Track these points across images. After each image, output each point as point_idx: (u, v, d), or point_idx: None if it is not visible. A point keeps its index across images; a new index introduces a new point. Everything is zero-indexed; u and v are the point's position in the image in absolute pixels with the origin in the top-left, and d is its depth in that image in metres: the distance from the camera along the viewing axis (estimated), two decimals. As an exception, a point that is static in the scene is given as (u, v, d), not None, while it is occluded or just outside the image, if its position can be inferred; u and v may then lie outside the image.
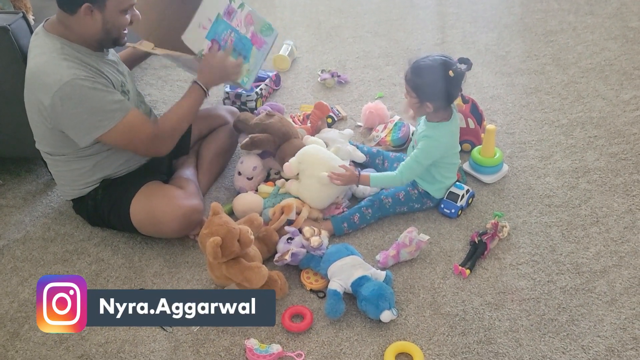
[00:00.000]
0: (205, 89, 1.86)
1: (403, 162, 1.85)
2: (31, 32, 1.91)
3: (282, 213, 1.86)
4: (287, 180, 1.99)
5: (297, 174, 1.93)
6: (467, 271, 1.73)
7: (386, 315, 1.58)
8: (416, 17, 3.29)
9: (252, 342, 1.55)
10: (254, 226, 1.69)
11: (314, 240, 1.74)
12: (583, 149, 2.22)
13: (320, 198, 1.90)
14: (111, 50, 1.85)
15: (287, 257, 1.72)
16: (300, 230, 1.82)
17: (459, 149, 1.94)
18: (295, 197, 1.93)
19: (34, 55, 1.68)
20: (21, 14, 1.88)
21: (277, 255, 1.75)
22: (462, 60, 1.80)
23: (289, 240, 1.79)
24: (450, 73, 1.75)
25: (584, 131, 2.30)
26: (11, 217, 2.05)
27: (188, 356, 1.56)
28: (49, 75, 1.62)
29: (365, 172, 1.90)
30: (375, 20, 3.28)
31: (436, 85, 1.77)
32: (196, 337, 1.61)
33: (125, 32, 1.76)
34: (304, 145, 2.01)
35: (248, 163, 2.04)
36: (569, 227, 1.89)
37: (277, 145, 2.05)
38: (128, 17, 1.72)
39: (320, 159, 1.90)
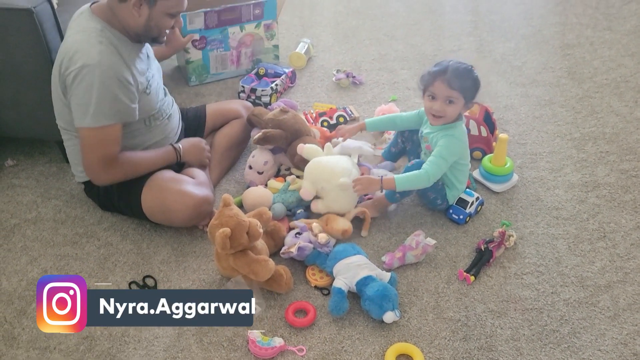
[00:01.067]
0: (178, 154, 1.92)
1: (426, 162, 1.83)
2: (54, 15, 1.93)
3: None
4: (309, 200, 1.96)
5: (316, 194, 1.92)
6: (472, 278, 1.74)
7: (389, 316, 1.59)
8: (434, 23, 3.30)
9: (255, 334, 1.56)
10: (262, 220, 1.71)
11: (322, 237, 1.76)
12: (594, 163, 2.22)
13: (349, 201, 1.90)
14: (147, 45, 1.88)
15: (294, 250, 1.73)
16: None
17: (469, 152, 1.95)
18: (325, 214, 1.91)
19: (73, 32, 1.72)
20: (46, -3, 1.90)
21: (283, 248, 1.77)
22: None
23: (297, 235, 1.80)
24: (477, 71, 1.82)
25: (595, 146, 2.31)
26: (23, 197, 2.08)
27: (191, 344, 1.58)
28: (78, 52, 1.65)
29: (388, 177, 1.85)
30: (393, 23, 3.29)
31: (477, 82, 1.82)
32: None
33: (166, 33, 1.79)
34: (316, 141, 2.02)
35: (259, 157, 2.05)
36: (576, 241, 1.89)
37: (289, 142, 2.06)
38: (172, 21, 1.75)
39: (326, 169, 1.89)
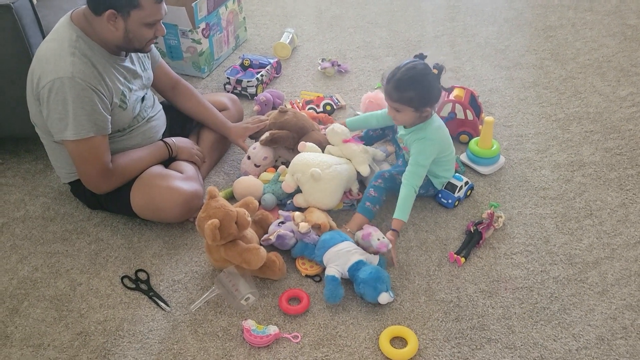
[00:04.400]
0: (170, 149, 1.92)
1: (405, 173, 1.81)
2: (34, 12, 1.91)
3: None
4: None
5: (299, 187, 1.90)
6: (462, 259, 1.76)
7: (384, 298, 1.60)
8: (417, 9, 3.30)
9: (250, 323, 1.57)
10: (249, 209, 1.71)
11: (302, 226, 1.73)
12: (579, 143, 2.24)
13: (326, 194, 1.86)
14: (142, 60, 1.87)
15: (272, 238, 1.74)
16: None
17: (451, 142, 1.92)
18: (307, 208, 1.89)
19: (49, 39, 1.69)
20: (25, -7, 1.88)
21: (264, 236, 1.77)
22: (419, 57, 1.81)
23: (280, 224, 1.81)
24: (435, 71, 1.76)
25: (580, 126, 2.33)
26: (10, 196, 2.06)
27: (186, 336, 1.58)
28: (50, 63, 1.63)
29: (394, 221, 1.77)
30: (376, 11, 3.29)
31: (429, 89, 1.76)
32: (194, 317, 1.63)
33: (150, 43, 1.75)
34: (324, 136, 2.01)
35: (260, 152, 2.03)
36: (563, 219, 1.92)
37: (296, 141, 2.03)
38: (152, 31, 1.71)
39: (302, 161, 1.89)
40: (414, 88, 1.74)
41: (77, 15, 1.69)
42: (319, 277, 1.73)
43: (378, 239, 1.70)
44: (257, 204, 1.76)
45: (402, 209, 1.78)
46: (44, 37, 1.88)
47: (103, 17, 1.63)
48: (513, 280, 1.72)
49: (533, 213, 1.94)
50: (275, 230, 1.76)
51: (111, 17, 1.63)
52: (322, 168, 1.85)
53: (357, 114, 2.41)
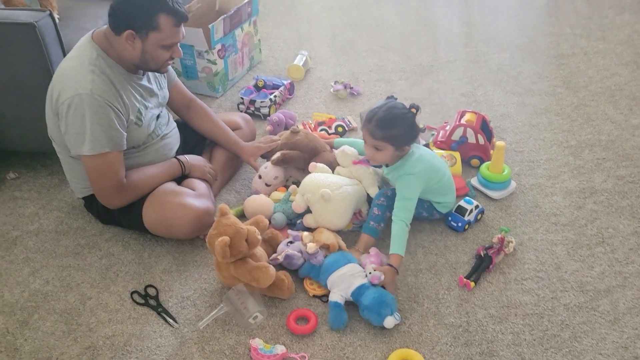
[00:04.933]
0: (183, 167, 1.95)
1: (394, 209, 1.80)
2: (57, 30, 1.96)
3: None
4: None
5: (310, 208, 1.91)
6: (472, 284, 1.75)
7: (389, 322, 1.59)
8: (430, 34, 3.34)
9: (257, 342, 1.57)
10: (259, 227, 1.71)
11: (310, 247, 1.73)
12: (591, 170, 2.24)
13: (335, 215, 1.87)
14: (158, 79, 1.92)
15: (280, 258, 1.74)
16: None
17: (443, 168, 1.92)
18: (317, 228, 1.89)
19: (69, 57, 1.75)
20: (48, 12, 1.93)
21: (273, 255, 1.78)
22: (390, 98, 1.85)
23: (289, 244, 1.81)
24: (413, 110, 1.79)
25: (592, 153, 2.33)
26: (25, 209, 2.09)
27: (193, 353, 1.58)
28: (70, 80, 1.67)
29: (391, 257, 1.73)
30: (389, 35, 3.33)
31: (411, 128, 1.79)
32: (202, 334, 1.63)
33: (166, 64, 1.80)
34: (335, 158, 2.03)
35: (271, 171, 2.05)
36: (575, 246, 1.90)
37: (307, 162, 2.04)
38: (168, 53, 1.75)
39: (313, 181, 1.89)
40: (397, 126, 1.77)
41: (98, 35, 1.74)
42: (326, 298, 1.72)
43: (370, 272, 1.68)
44: (267, 222, 1.77)
45: (397, 244, 1.75)
46: (64, 55, 1.93)
47: (122, 37, 1.68)
48: (523, 306, 1.70)
49: (544, 239, 1.93)
50: (283, 250, 1.77)
51: (130, 37, 1.68)
52: (332, 189, 1.86)
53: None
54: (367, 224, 1.87)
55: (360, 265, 1.73)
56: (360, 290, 1.64)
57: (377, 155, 1.83)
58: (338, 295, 1.66)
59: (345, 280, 1.67)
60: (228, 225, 1.63)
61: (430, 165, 1.87)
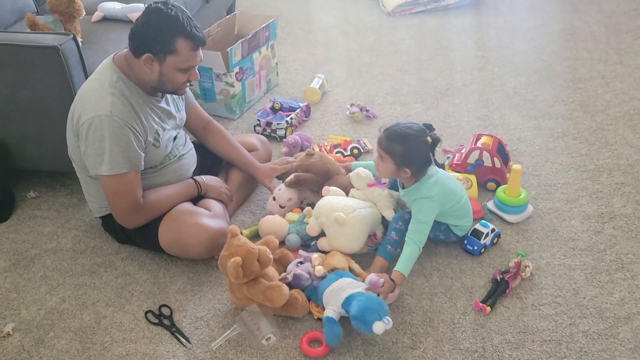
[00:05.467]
0: (200, 187, 1.97)
1: (409, 232, 1.80)
2: (79, 53, 2.01)
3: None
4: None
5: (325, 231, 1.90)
6: (488, 308, 1.73)
7: (378, 327, 1.52)
8: (446, 58, 3.36)
9: (270, 364, 1.56)
10: (270, 247, 1.71)
11: (318, 270, 1.74)
12: (610, 194, 2.21)
13: (349, 239, 1.86)
14: (176, 101, 1.95)
15: (289, 277, 1.74)
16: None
17: (460, 191, 1.91)
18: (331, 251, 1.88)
19: (91, 79, 1.80)
20: (71, 36, 1.98)
21: (282, 274, 1.78)
22: (427, 126, 1.82)
23: (299, 264, 1.80)
24: (429, 139, 1.78)
25: (610, 177, 2.30)
26: (44, 228, 2.12)
27: (206, 374, 1.58)
28: (91, 102, 1.72)
29: (394, 274, 1.72)
30: (405, 59, 3.35)
31: (415, 151, 1.79)
32: (215, 354, 1.62)
33: (184, 87, 1.83)
34: (349, 181, 2.03)
35: (285, 193, 2.06)
36: (593, 272, 1.87)
37: (321, 184, 2.05)
38: (185, 76, 1.79)
39: (332, 205, 1.88)
40: (400, 144, 1.78)
41: (119, 58, 1.79)
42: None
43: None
44: (277, 242, 1.77)
45: (405, 265, 1.74)
46: (86, 77, 1.98)
47: (141, 60, 1.72)
48: (541, 333, 1.67)
49: (562, 264, 1.90)
50: (292, 270, 1.77)
51: (148, 60, 1.72)
52: (346, 212, 1.85)
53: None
54: (384, 248, 1.86)
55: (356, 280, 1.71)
56: (348, 301, 1.60)
57: (380, 165, 1.85)
58: (330, 310, 1.63)
59: (335, 295, 1.65)
60: (239, 246, 1.64)
61: (447, 188, 1.86)
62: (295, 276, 1.74)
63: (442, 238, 1.94)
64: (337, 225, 1.84)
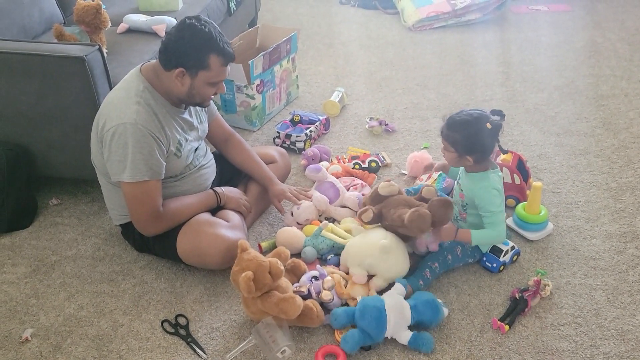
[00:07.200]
0: (219, 198, 1.98)
1: (487, 225, 1.83)
2: (104, 64, 2.05)
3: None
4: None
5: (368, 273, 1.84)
6: (506, 327, 1.70)
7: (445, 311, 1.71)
8: (466, 73, 3.35)
9: (285, 377, 1.55)
10: (281, 258, 1.72)
11: (325, 294, 1.72)
12: (632, 214, 2.17)
13: (399, 260, 1.82)
14: (199, 113, 1.98)
15: (304, 290, 1.73)
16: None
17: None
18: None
19: (118, 87, 1.83)
20: (97, 47, 2.02)
21: (296, 285, 1.76)
22: (495, 112, 1.84)
23: (312, 279, 1.79)
24: (488, 125, 1.79)
25: (633, 196, 2.27)
26: (65, 235, 2.15)
27: (220, 385, 1.57)
28: (116, 110, 1.75)
29: (463, 230, 1.84)
30: (425, 74, 3.35)
31: (475, 138, 1.80)
32: (230, 366, 1.62)
33: (210, 99, 1.88)
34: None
35: (304, 213, 2.07)
36: (615, 292, 1.84)
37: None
38: (214, 89, 1.82)
39: (363, 246, 1.84)
40: (460, 131, 1.80)
41: (146, 68, 1.82)
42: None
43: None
44: (289, 253, 1.77)
45: (480, 235, 1.83)
46: (111, 87, 2.02)
47: (172, 73, 1.75)
48: (560, 353, 1.64)
49: (582, 283, 1.87)
50: (306, 284, 1.75)
51: (180, 74, 1.74)
52: (383, 238, 1.81)
53: (403, 173, 2.44)
54: (416, 282, 1.80)
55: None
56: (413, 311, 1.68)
57: (446, 154, 1.88)
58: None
59: (398, 316, 1.66)
60: (249, 260, 1.64)
61: (502, 191, 1.88)
62: (309, 292, 1.73)
63: (470, 262, 1.92)
64: (384, 255, 1.79)
